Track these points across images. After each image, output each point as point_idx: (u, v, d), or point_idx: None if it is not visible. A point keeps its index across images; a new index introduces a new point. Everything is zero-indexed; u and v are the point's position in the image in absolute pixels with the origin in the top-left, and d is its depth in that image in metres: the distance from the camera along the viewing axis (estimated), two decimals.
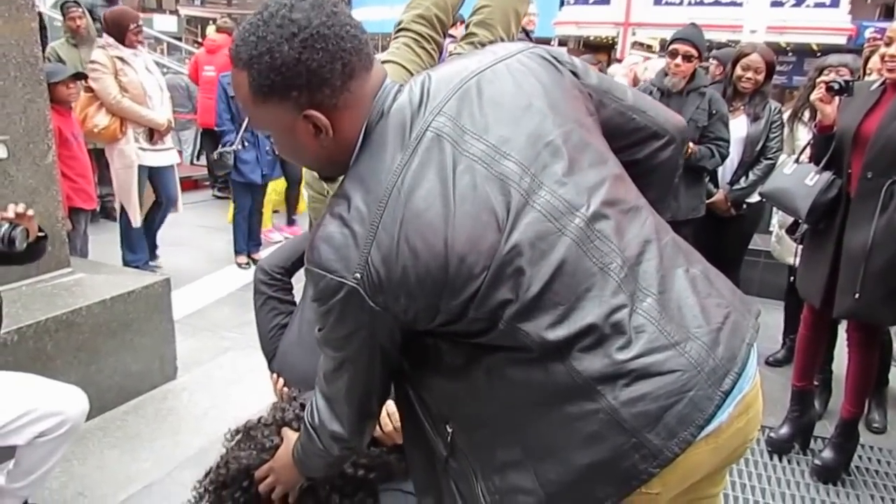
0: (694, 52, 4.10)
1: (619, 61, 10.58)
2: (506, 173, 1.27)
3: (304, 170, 2.13)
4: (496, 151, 1.28)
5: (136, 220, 5.49)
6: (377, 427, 1.77)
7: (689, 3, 15.78)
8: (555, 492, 1.28)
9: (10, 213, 2.34)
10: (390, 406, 1.74)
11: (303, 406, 1.82)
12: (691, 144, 4.07)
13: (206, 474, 1.87)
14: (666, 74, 4.25)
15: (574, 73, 1.45)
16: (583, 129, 1.38)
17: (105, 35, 5.39)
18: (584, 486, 1.27)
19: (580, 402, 1.25)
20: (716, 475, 1.47)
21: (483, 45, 2.34)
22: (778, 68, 5.29)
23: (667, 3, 16.11)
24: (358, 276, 1.21)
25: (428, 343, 1.35)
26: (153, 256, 6.08)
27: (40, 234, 2.47)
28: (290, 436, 1.75)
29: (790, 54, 15.05)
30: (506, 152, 1.29)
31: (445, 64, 1.45)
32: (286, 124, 1.29)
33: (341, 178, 1.35)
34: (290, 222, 7.22)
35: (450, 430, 1.38)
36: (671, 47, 4.20)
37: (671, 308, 1.31)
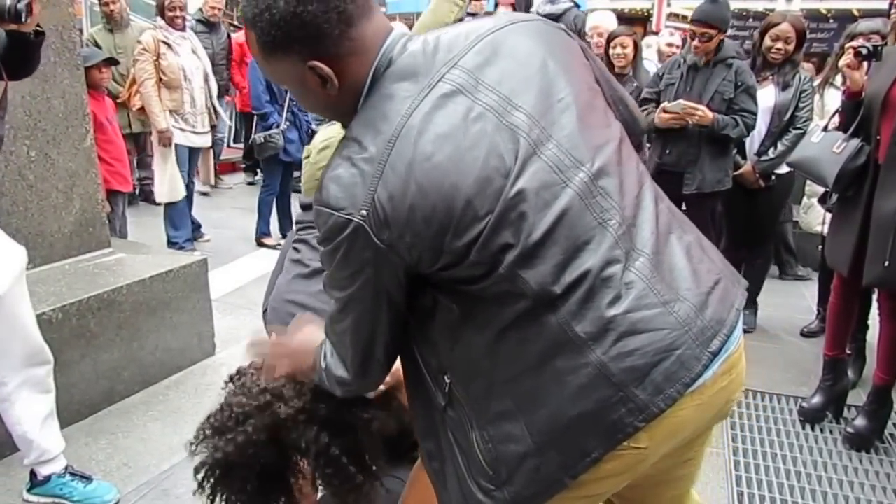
0: (710, 30, 4.06)
1: (655, 33, 10.42)
2: (516, 123, 1.30)
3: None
4: (508, 103, 1.32)
5: (160, 195, 5.74)
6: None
7: None
8: (543, 441, 1.32)
9: None
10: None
11: None
12: (709, 112, 4.05)
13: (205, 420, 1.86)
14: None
15: (583, 50, 1.50)
16: (591, 91, 1.44)
17: (158, 17, 5.72)
18: (572, 437, 1.31)
19: (570, 356, 1.29)
20: (703, 435, 1.54)
21: None
22: (818, 35, 5.20)
23: None
24: (364, 212, 1.24)
25: (428, 296, 1.39)
26: (198, 234, 6.28)
27: (39, 28, 2.37)
28: (314, 333, 1.73)
29: (831, 21, 14.66)
30: (517, 104, 1.32)
31: (459, 24, 1.47)
32: (297, 77, 1.34)
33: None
34: None
35: (448, 381, 1.42)
36: (690, 28, 4.22)
37: (663, 269, 1.35)
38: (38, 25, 2.33)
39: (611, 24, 5.68)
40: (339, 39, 1.30)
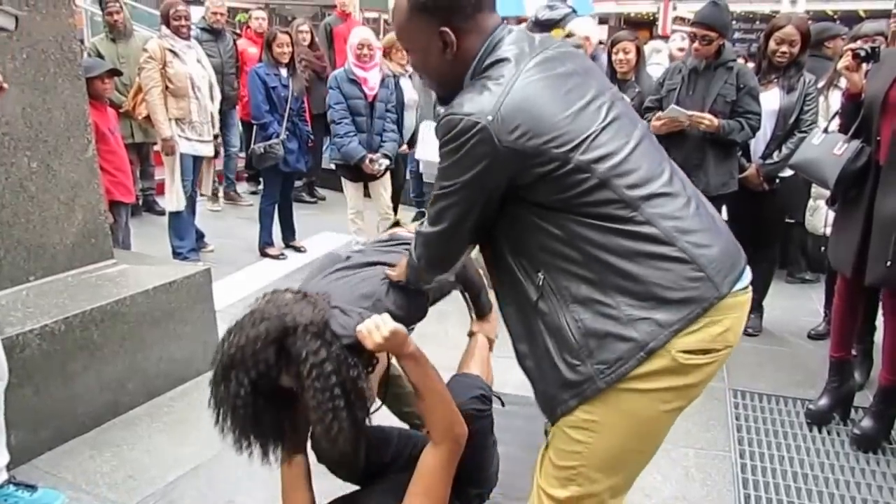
0: (711, 33, 4.06)
1: (661, 37, 10.42)
2: (596, 85, 1.78)
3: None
4: (587, 74, 1.80)
5: (170, 203, 5.73)
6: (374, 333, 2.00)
7: None
8: (629, 318, 1.65)
9: None
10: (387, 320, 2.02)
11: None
12: (715, 119, 4.06)
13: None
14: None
15: None
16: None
17: (162, 26, 5.72)
18: (658, 311, 1.65)
19: (661, 245, 1.65)
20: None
21: None
22: None
23: None
24: (490, 118, 1.61)
25: (529, 207, 1.72)
26: (202, 243, 6.27)
27: None
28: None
29: (838, 22, 14.72)
30: (590, 78, 1.80)
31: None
32: (426, 38, 1.77)
33: None
34: None
35: (542, 276, 1.74)
36: (690, 30, 4.26)
37: (700, 200, 1.80)
38: None
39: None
40: (467, 17, 1.75)
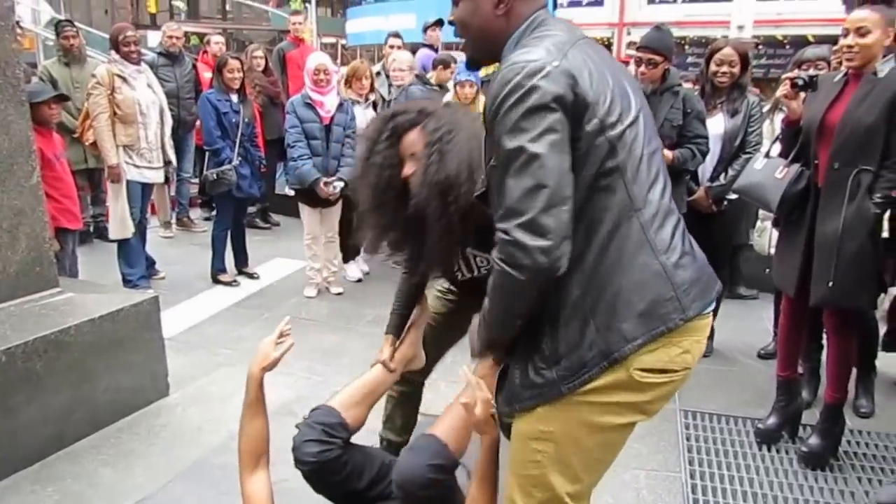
0: (657, 57, 4.14)
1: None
2: (631, 82, 1.86)
3: None
4: (623, 69, 1.89)
5: (114, 231, 5.64)
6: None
7: (683, 0, 15.65)
8: (602, 324, 1.69)
9: None
10: None
11: None
12: (668, 152, 4.11)
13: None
14: None
15: None
16: None
17: (111, 52, 5.67)
18: (626, 322, 1.69)
19: (645, 255, 1.70)
20: None
21: None
22: (776, 61, 5.45)
23: (661, 2, 15.96)
24: (556, 63, 1.62)
25: None
26: (153, 270, 6.18)
27: None
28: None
29: (787, 47, 15.10)
30: (627, 74, 1.89)
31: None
32: None
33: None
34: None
35: None
36: (636, 55, 4.33)
37: (684, 226, 1.84)
38: None
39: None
40: None
